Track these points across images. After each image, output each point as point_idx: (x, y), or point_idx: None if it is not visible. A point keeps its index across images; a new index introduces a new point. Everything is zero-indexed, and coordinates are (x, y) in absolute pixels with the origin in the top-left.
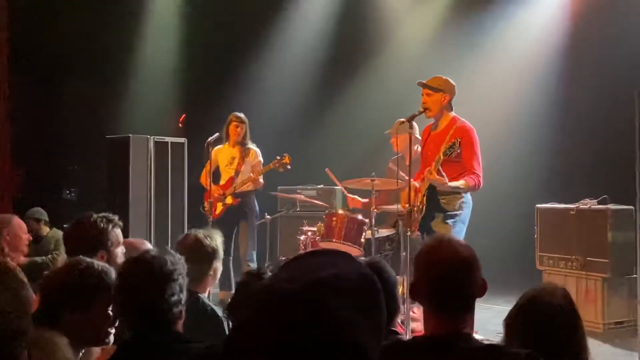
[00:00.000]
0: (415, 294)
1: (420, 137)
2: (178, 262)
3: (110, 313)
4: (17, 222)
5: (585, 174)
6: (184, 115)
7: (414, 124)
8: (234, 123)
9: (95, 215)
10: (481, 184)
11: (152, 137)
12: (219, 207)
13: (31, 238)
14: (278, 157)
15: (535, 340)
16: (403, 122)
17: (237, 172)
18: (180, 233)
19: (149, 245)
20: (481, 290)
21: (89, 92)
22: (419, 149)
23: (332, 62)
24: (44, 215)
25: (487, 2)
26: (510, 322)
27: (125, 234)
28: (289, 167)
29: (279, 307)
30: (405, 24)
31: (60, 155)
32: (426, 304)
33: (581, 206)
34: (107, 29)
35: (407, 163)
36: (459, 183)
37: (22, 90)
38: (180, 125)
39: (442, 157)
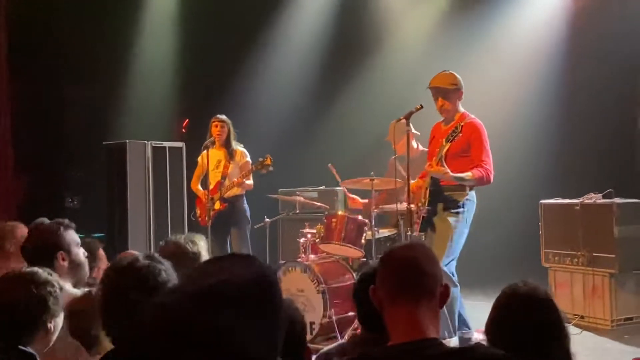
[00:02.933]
0: (377, 298)
1: (418, 132)
2: (165, 270)
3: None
4: (23, 232)
5: (589, 167)
6: (187, 121)
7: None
8: (214, 123)
9: (45, 221)
10: (491, 178)
11: (149, 142)
12: (209, 213)
13: None
14: (260, 159)
15: (516, 339)
16: (400, 120)
17: (223, 176)
18: None
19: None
20: (443, 294)
21: (89, 98)
22: (419, 147)
23: (330, 62)
24: None
25: (486, 0)
26: (490, 322)
27: (124, 242)
28: (271, 168)
29: (158, 320)
30: (403, 23)
31: (62, 163)
32: (389, 302)
33: (586, 201)
34: (103, 35)
35: (407, 161)
36: (465, 175)
37: (21, 98)
38: (183, 130)
39: (444, 143)
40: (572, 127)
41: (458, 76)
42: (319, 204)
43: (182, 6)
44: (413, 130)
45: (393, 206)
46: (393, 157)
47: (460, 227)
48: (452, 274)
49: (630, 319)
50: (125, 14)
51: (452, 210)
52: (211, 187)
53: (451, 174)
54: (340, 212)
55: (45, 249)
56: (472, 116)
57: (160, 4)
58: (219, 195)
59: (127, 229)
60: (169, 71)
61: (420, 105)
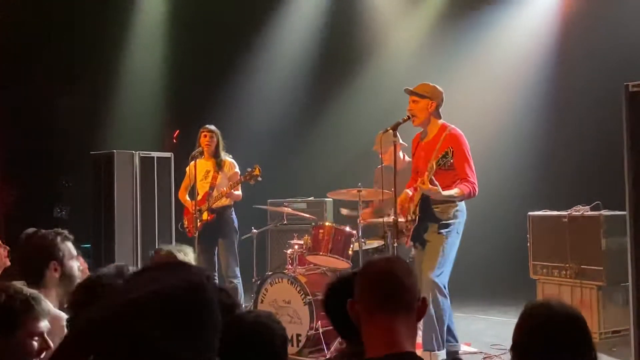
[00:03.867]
0: (354, 311)
1: (405, 144)
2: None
3: (35, 345)
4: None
5: (577, 180)
6: (177, 131)
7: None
8: (203, 133)
9: (42, 230)
10: (476, 191)
11: (137, 152)
12: (196, 223)
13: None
14: (249, 169)
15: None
16: (387, 131)
17: (212, 187)
18: None
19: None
20: (421, 309)
21: (77, 108)
22: (406, 157)
23: (319, 73)
24: None
25: (477, 8)
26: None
27: (111, 252)
28: (260, 178)
29: (85, 336)
30: (392, 34)
31: (50, 172)
32: (366, 315)
33: (574, 213)
34: (91, 44)
35: (394, 173)
36: (453, 192)
37: (9, 108)
38: (174, 141)
39: (434, 167)
40: (561, 139)
41: (439, 89)
42: (307, 215)
43: (171, 15)
44: (400, 141)
45: (380, 219)
46: (380, 166)
47: (451, 239)
48: (444, 287)
49: (618, 331)
50: (115, 23)
51: (443, 222)
52: (199, 197)
53: (442, 192)
54: (327, 224)
55: (39, 256)
56: (452, 126)
57: (149, 12)
58: (207, 206)
59: (114, 240)
60: (158, 81)
61: (408, 116)
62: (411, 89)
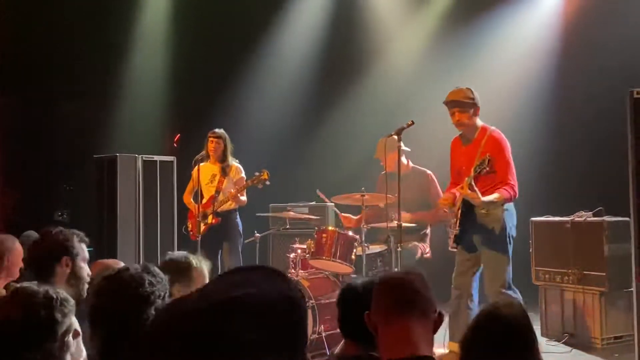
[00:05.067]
0: (371, 322)
1: (408, 149)
2: (158, 283)
3: (71, 340)
4: (19, 248)
5: (580, 185)
6: (178, 135)
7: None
8: (211, 139)
9: (60, 227)
10: (517, 194)
11: (140, 155)
12: (201, 227)
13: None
14: (257, 173)
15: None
16: (391, 136)
17: (217, 190)
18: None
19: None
20: (437, 321)
21: (79, 111)
22: (409, 163)
23: (321, 78)
24: None
25: (479, 12)
26: (466, 341)
27: (113, 255)
28: (267, 182)
29: (179, 323)
30: (394, 41)
31: (51, 176)
32: (383, 321)
33: (576, 219)
34: (94, 48)
35: (398, 178)
36: (492, 197)
37: (10, 112)
38: (175, 145)
39: (472, 173)
40: (564, 144)
41: (474, 91)
42: (308, 217)
43: (174, 20)
44: (403, 147)
45: (383, 222)
46: (383, 173)
47: (505, 245)
48: (510, 285)
49: (620, 337)
50: (117, 26)
51: (494, 234)
52: (204, 201)
53: (482, 198)
54: (330, 228)
55: (54, 250)
56: (493, 128)
57: (152, 17)
58: (212, 209)
59: (117, 243)
60: (161, 84)
61: (412, 121)
62: (453, 99)
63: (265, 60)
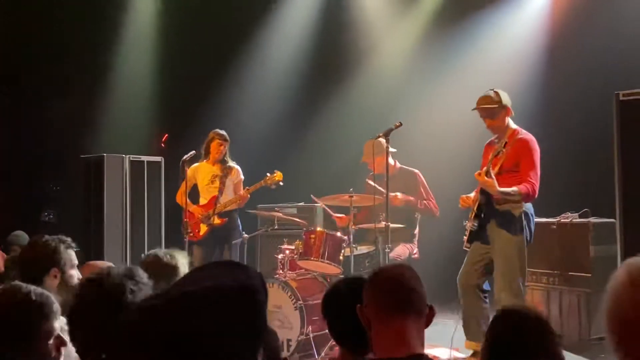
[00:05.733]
0: (364, 316)
1: (395, 150)
2: (140, 290)
3: (52, 345)
4: None
5: (566, 187)
6: (166, 135)
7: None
8: (217, 141)
9: (47, 236)
10: (536, 192)
11: (127, 156)
12: (203, 228)
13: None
14: (268, 174)
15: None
16: (379, 137)
17: (220, 192)
18: None
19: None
20: (429, 316)
21: (66, 111)
22: (397, 164)
23: (310, 79)
24: (26, 240)
25: (468, 13)
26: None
27: (100, 256)
28: (281, 183)
29: (140, 323)
30: (382, 42)
31: (38, 177)
32: (377, 318)
33: (562, 220)
34: (81, 47)
35: (386, 179)
36: (510, 189)
37: None
38: (162, 145)
39: (491, 158)
40: (550, 146)
41: (503, 93)
42: (297, 219)
43: (162, 18)
44: (390, 149)
45: (372, 224)
46: (371, 174)
47: (522, 244)
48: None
49: (605, 338)
50: (105, 26)
51: (512, 228)
52: (205, 202)
53: (497, 187)
54: (319, 229)
55: (42, 262)
56: (524, 132)
57: (139, 16)
58: (217, 210)
59: (103, 243)
60: (148, 84)
61: (400, 122)
62: (480, 106)
63: (253, 60)
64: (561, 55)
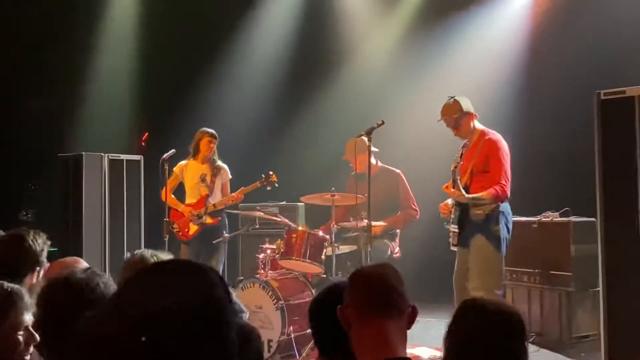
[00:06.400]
0: (344, 317)
1: (376, 149)
2: (109, 282)
3: (21, 338)
4: None
5: (546, 186)
6: (146, 134)
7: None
8: (207, 139)
9: (32, 234)
10: (507, 194)
11: (106, 154)
12: (193, 227)
13: None
14: (264, 175)
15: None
16: (361, 135)
17: (211, 191)
18: None
19: (84, 264)
20: (411, 315)
21: (45, 109)
22: (379, 163)
23: (292, 77)
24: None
25: (449, 13)
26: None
27: (79, 255)
28: (276, 185)
29: (98, 347)
30: (364, 41)
31: (16, 175)
32: (358, 319)
33: (543, 219)
34: (60, 44)
35: (368, 178)
36: (479, 195)
37: None
38: (143, 144)
39: (453, 168)
40: (531, 145)
41: (463, 100)
42: (277, 219)
43: (142, 16)
44: (372, 148)
45: (352, 223)
46: (353, 173)
47: (498, 244)
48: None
49: (587, 336)
50: (83, 22)
51: (487, 230)
52: (194, 201)
53: (466, 195)
54: (300, 228)
55: (27, 262)
56: (492, 132)
57: (119, 12)
58: (206, 209)
59: (82, 243)
60: (127, 83)
61: (382, 121)
62: (444, 116)
63: (234, 59)
64: (542, 55)
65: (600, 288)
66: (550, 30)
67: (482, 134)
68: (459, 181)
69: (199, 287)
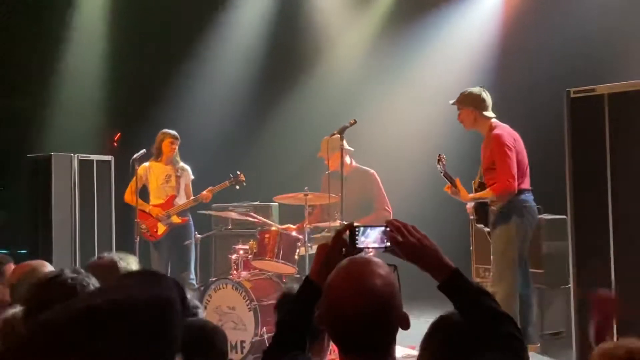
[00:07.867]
0: (322, 323)
1: (351, 149)
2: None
3: None
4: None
5: None
6: (119, 134)
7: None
8: (169, 140)
9: None
10: (511, 189)
11: (76, 155)
12: (161, 227)
13: None
14: (232, 176)
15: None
16: (334, 135)
17: (177, 190)
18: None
19: (50, 267)
20: (404, 324)
21: (12, 109)
22: (353, 162)
23: (265, 75)
24: None
25: (422, 12)
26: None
27: (49, 258)
28: (244, 184)
29: (39, 337)
30: (338, 39)
31: None
32: (338, 349)
33: None
34: (28, 42)
35: (341, 177)
36: (480, 194)
37: None
38: (114, 144)
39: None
40: None
41: (473, 94)
42: (251, 218)
43: (112, 14)
44: (346, 147)
45: (327, 223)
46: (326, 172)
47: (513, 238)
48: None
49: (558, 333)
50: (53, 21)
51: (503, 224)
52: (161, 201)
53: (468, 196)
54: (273, 228)
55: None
56: (499, 125)
57: (88, 13)
58: (173, 210)
59: (52, 245)
60: (97, 82)
61: (354, 120)
62: (454, 101)
63: (206, 59)
64: (513, 53)
65: (571, 285)
66: (520, 29)
67: (490, 128)
68: (458, 183)
69: (151, 287)
